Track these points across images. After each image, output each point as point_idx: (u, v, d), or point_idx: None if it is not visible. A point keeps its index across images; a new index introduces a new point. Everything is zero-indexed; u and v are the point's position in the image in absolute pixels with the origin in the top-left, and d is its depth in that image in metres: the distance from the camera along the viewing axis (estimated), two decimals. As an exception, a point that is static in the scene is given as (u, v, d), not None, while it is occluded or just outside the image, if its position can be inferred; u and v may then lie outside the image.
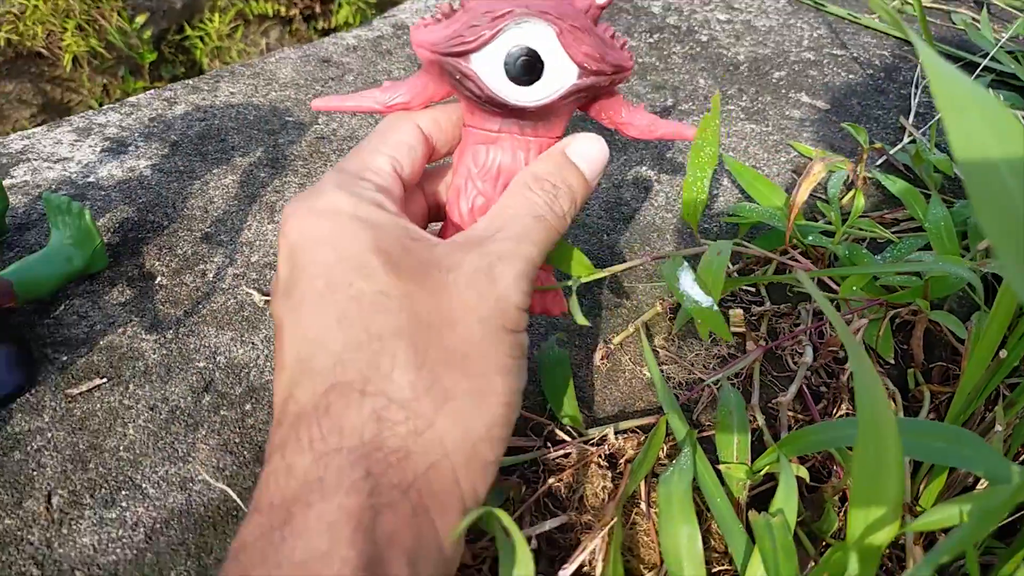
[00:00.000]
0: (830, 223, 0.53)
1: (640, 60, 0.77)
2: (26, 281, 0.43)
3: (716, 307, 0.37)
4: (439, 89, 0.32)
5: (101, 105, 1.09)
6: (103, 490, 0.37)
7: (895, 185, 0.57)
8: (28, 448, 0.38)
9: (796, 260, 0.49)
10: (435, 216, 0.36)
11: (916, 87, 0.75)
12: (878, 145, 0.56)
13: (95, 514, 0.36)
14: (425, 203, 0.35)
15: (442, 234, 0.34)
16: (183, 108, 0.64)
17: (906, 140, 0.66)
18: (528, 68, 0.29)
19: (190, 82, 0.68)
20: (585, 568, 0.35)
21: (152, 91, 0.66)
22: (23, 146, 0.58)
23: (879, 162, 0.64)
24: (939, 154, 0.61)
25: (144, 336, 0.44)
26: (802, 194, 0.47)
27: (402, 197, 0.31)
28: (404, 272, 0.27)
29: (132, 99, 0.65)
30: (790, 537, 0.31)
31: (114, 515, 0.36)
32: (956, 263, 0.42)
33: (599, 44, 0.30)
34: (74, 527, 0.35)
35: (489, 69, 0.30)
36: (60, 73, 1.47)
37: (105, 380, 0.41)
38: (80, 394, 0.41)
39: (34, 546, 0.35)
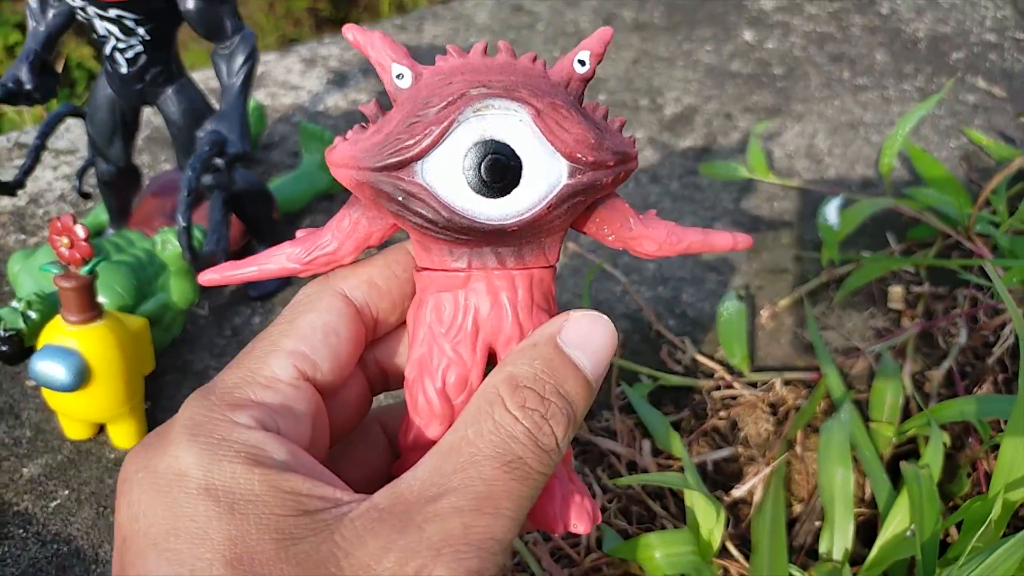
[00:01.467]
0: (996, 213, 0.56)
1: (819, 29, 0.79)
2: (285, 197, 0.51)
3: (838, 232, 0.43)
4: (376, 226, 0.23)
5: (267, 20, 1.18)
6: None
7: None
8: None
9: (961, 247, 0.52)
10: (381, 388, 0.26)
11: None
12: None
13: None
14: (366, 380, 0.26)
15: (400, 436, 0.24)
16: (394, 47, 0.71)
17: (1084, 135, 0.67)
18: (500, 171, 0.21)
19: (398, 21, 0.74)
20: (744, 496, 0.41)
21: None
22: (261, 71, 0.67)
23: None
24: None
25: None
26: (989, 188, 0.50)
27: (315, 412, 0.22)
28: None
29: (349, 35, 0.72)
30: (935, 487, 0.36)
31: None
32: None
33: (591, 126, 0.22)
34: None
35: (444, 180, 0.21)
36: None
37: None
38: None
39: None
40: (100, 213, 0.50)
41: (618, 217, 0.24)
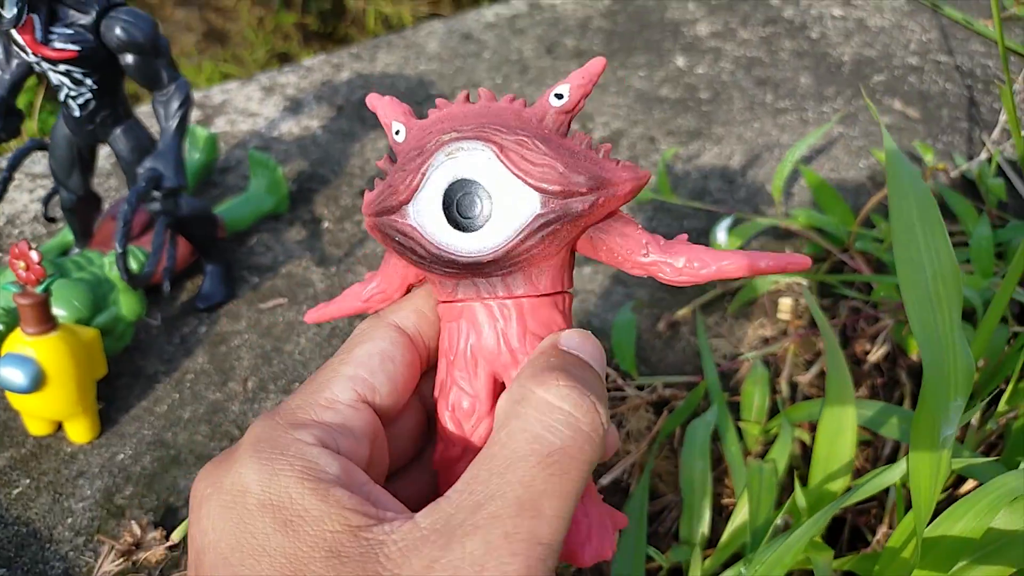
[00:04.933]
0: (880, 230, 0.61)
1: (749, 54, 0.85)
2: (232, 218, 0.57)
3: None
4: (413, 267, 0.26)
5: (256, 35, 1.24)
6: (282, 380, 0.51)
7: (954, 200, 0.64)
8: (231, 344, 0.53)
9: (845, 263, 0.58)
10: None
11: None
12: (941, 165, 0.63)
13: (277, 397, 0.50)
14: (423, 409, 0.28)
15: (433, 457, 0.26)
16: (347, 74, 0.77)
17: (982, 156, 0.72)
18: (470, 206, 0.23)
19: (354, 50, 0.80)
20: (623, 484, 0.47)
21: (322, 56, 0.79)
22: (223, 100, 0.72)
23: (953, 174, 0.70)
24: (996, 179, 0.67)
25: (314, 268, 0.58)
26: (868, 207, 0.55)
27: (373, 433, 0.24)
28: None
29: (307, 62, 0.78)
30: (775, 479, 0.42)
31: (289, 399, 0.50)
32: (969, 284, 0.50)
33: (564, 155, 0.23)
34: (262, 405, 0.50)
35: (429, 219, 0.24)
36: (223, 4, 1.64)
37: (285, 300, 0.55)
38: (267, 308, 0.55)
39: (235, 414, 0.49)
40: (67, 234, 0.56)
41: (628, 243, 0.25)
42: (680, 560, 0.42)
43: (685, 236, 0.25)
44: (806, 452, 0.49)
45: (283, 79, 0.76)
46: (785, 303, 0.58)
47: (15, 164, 0.50)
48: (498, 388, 0.25)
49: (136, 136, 0.47)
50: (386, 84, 0.76)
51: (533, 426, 0.20)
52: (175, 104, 0.44)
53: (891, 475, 0.34)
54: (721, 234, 0.56)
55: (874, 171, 0.71)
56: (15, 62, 0.46)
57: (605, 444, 0.21)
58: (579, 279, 0.59)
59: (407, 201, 0.24)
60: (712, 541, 0.44)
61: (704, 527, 0.43)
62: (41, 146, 0.51)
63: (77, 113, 0.46)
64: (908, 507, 0.33)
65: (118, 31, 0.42)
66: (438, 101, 0.25)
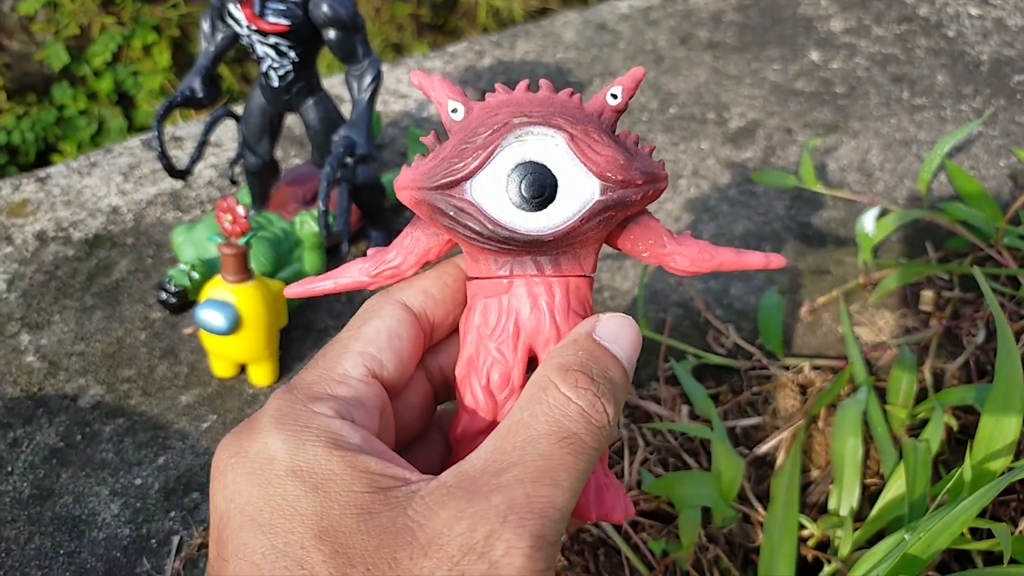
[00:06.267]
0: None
1: (884, 51, 0.84)
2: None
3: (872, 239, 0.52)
4: (434, 242, 0.27)
5: (372, 25, 1.28)
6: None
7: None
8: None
9: (992, 258, 0.58)
10: (445, 395, 0.29)
11: None
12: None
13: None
14: (430, 385, 0.29)
15: (451, 430, 0.27)
16: (489, 60, 0.80)
17: None
18: (538, 188, 0.25)
19: (494, 38, 0.83)
20: (769, 458, 0.48)
21: (465, 43, 0.82)
22: (374, 80, 0.77)
23: (1100, 177, 0.69)
24: None
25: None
26: (1018, 204, 0.55)
27: (383, 406, 0.25)
28: (359, 564, 0.20)
29: (451, 49, 0.82)
30: (929, 458, 0.43)
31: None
32: None
33: (622, 150, 0.25)
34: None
35: (490, 197, 0.25)
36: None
37: (440, 267, 0.59)
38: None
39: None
40: (243, 197, 0.61)
41: (651, 235, 0.27)
42: (828, 530, 0.44)
43: (688, 232, 0.27)
44: (949, 436, 0.50)
45: (429, 64, 0.79)
46: (927, 295, 0.58)
47: (209, 129, 0.54)
48: (529, 364, 0.27)
49: (325, 107, 0.51)
50: (526, 71, 0.79)
51: (554, 412, 0.23)
52: (368, 78, 0.48)
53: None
54: (869, 223, 0.56)
55: (1015, 170, 0.70)
56: (219, 35, 0.51)
57: (611, 436, 0.24)
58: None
59: (468, 177, 0.25)
60: (855, 516, 0.45)
61: (854, 500, 0.45)
62: (230, 114, 0.56)
63: (276, 84, 0.50)
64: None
65: (325, 8, 0.45)
66: (497, 86, 0.26)
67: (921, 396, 0.51)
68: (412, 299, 0.27)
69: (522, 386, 0.26)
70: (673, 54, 0.82)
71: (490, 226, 0.25)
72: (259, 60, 0.49)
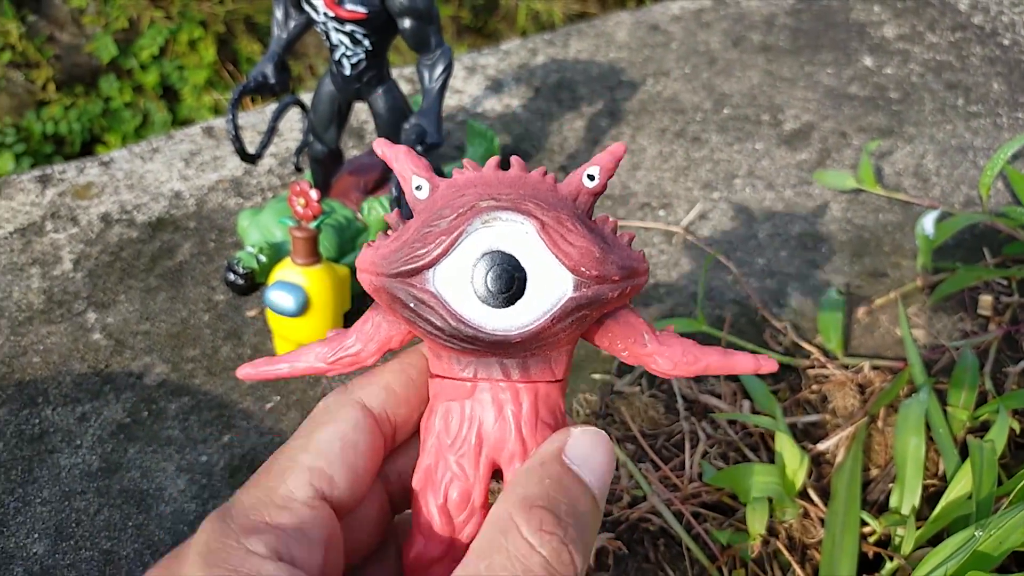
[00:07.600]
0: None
1: (938, 58, 0.84)
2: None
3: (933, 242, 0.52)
4: (395, 330, 0.24)
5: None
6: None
7: None
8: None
9: (1051, 263, 0.57)
10: (404, 504, 0.27)
11: None
12: None
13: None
14: (387, 497, 0.26)
15: (404, 553, 0.25)
16: (542, 58, 0.81)
17: None
18: (506, 281, 0.22)
19: (547, 36, 0.84)
20: (827, 456, 0.48)
21: (519, 41, 0.83)
22: (429, 75, 0.77)
23: None
24: None
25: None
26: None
27: (329, 536, 0.22)
28: None
29: (504, 46, 0.82)
30: (995, 458, 0.43)
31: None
32: None
33: (598, 241, 0.23)
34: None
35: (454, 288, 0.22)
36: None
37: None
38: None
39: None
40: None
41: (631, 333, 0.24)
42: (889, 527, 0.44)
43: (672, 327, 0.25)
44: (1009, 440, 0.49)
45: (483, 60, 0.80)
46: (986, 300, 0.58)
47: (279, 116, 0.55)
48: (495, 474, 0.24)
49: (394, 96, 0.52)
50: (579, 69, 0.80)
51: (515, 564, 0.20)
52: (440, 68, 0.49)
53: None
54: (929, 226, 0.56)
55: (1073, 180, 0.69)
56: (291, 23, 0.52)
57: None
58: (778, 261, 0.60)
59: (431, 265, 0.22)
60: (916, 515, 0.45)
61: (916, 499, 0.45)
62: (298, 103, 0.57)
63: (348, 72, 0.50)
64: None
65: (401, -3, 0.46)
66: (465, 162, 0.24)
67: (980, 400, 0.51)
68: (372, 398, 0.24)
69: (483, 506, 0.24)
70: (726, 56, 0.82)
71: (452, 322, 0.22)
72: (332, 48, 0.50)
